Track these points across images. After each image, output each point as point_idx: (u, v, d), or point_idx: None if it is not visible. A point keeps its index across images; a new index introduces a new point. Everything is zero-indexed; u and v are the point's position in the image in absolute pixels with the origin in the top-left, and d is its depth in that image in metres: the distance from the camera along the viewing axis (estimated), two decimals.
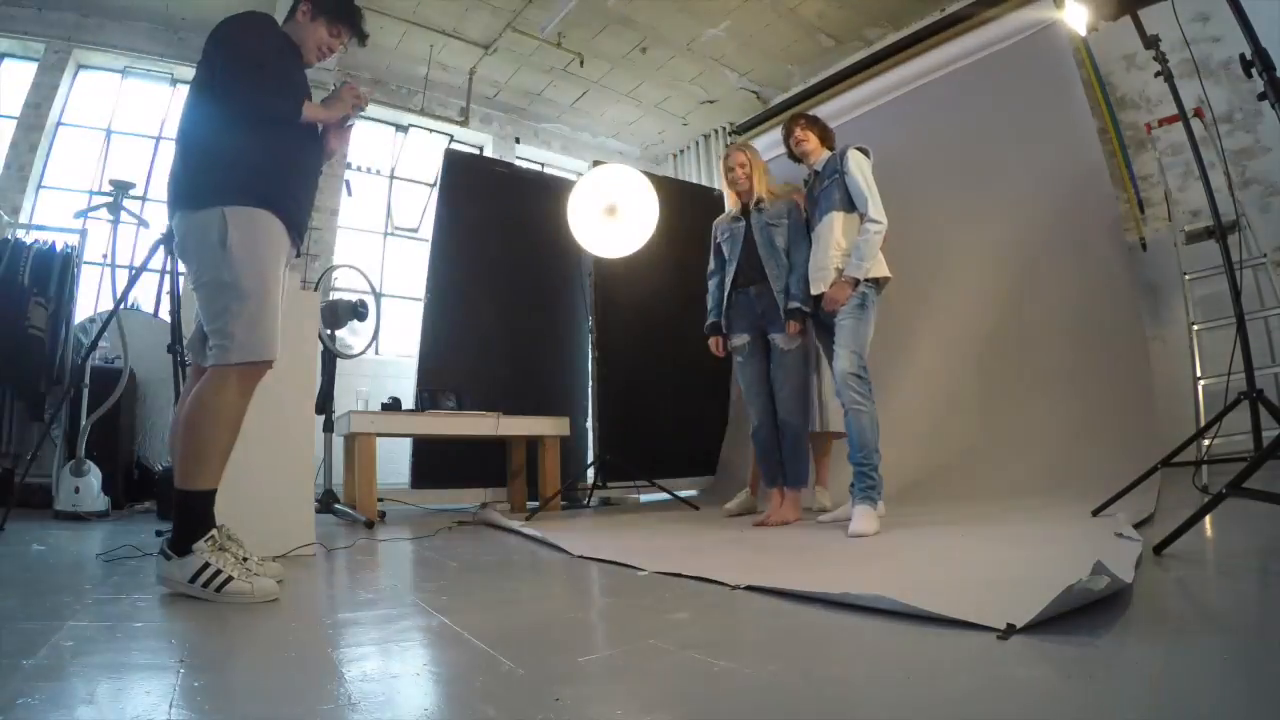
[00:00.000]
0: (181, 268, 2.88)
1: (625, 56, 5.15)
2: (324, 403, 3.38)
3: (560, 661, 1.00)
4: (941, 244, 3.54)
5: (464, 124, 5.60)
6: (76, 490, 3.04)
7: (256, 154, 1.63)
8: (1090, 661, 0.85)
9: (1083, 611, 0.99)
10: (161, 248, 2.87)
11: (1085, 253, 3.12)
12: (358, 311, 3.54)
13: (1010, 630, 0.94)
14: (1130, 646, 0.92)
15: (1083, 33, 3.49)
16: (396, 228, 5.67)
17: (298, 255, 1.81)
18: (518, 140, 6.00)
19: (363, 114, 1.82)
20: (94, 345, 3.25)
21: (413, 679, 0.97)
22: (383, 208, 5.65)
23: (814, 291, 2.59)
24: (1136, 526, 1.73)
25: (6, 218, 3.92)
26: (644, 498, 4.29)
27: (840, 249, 2.54)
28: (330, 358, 3.47)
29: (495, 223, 4.32)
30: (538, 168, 5.90)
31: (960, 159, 3.67)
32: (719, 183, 5.73)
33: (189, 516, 1.52)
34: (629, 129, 6.21)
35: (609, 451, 3.87)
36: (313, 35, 1.79)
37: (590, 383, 4.34)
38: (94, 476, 3.12)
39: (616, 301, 4.25)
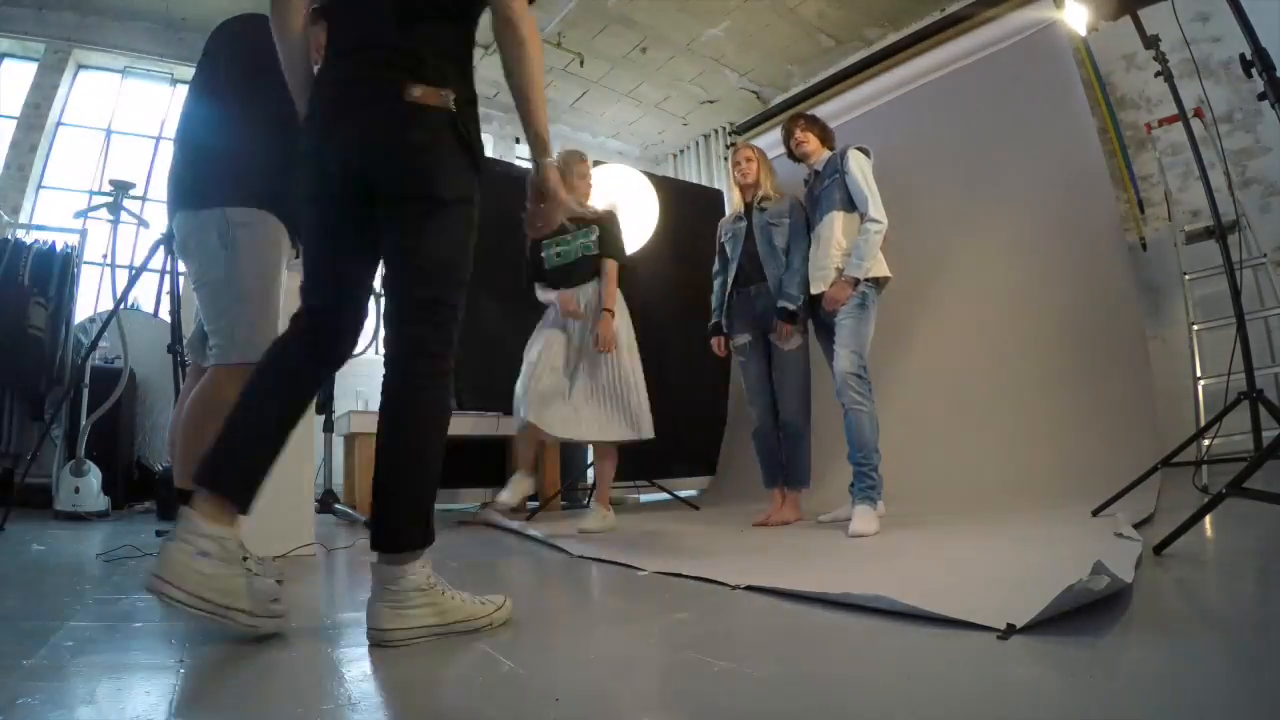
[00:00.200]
0: (182, 267, 2.89)
1: (625, 56, 5.15)
2: (324, 403, 3.38)
3: (560, 661, 1.00)
4: (941, 244, 3.54)
5: None
6: (76, 490, 3.04)
7: (258, 154, 1.62)
8: (1090, 661, 0.85)
9: (1083, 611, 0.99)
10: (161, 248, 2.87)
11: (1085, 253, 3.12)
12: None
13: (1010, 630, 0.94)
14: (1130, 646, 0.92)
15: (1083, 33, 3.50)
16: None
17: (297, 256, 1.81)
18: (517, 140, 5.99)
19: None
20: (94, 345, 3.25)
21: (413, 679, 0.97)
22: None
23: (814, 291, 2.59)
24: (1136, 526, 1.73)
25: (6, 218, 3.92)
26: (644, 498, 4.29)
27: (840, 249, 2.54)
28: None
29: (495, 223, 4.29)
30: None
31: (960, 159, 3.67)
32: (719, 183, 5.75)
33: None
34: (629, 129, 6.22)
35: None
36: (315, 37, 1.79)
37: None
38: (94, 476, 3.12)
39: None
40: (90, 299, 4.17)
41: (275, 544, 2.04)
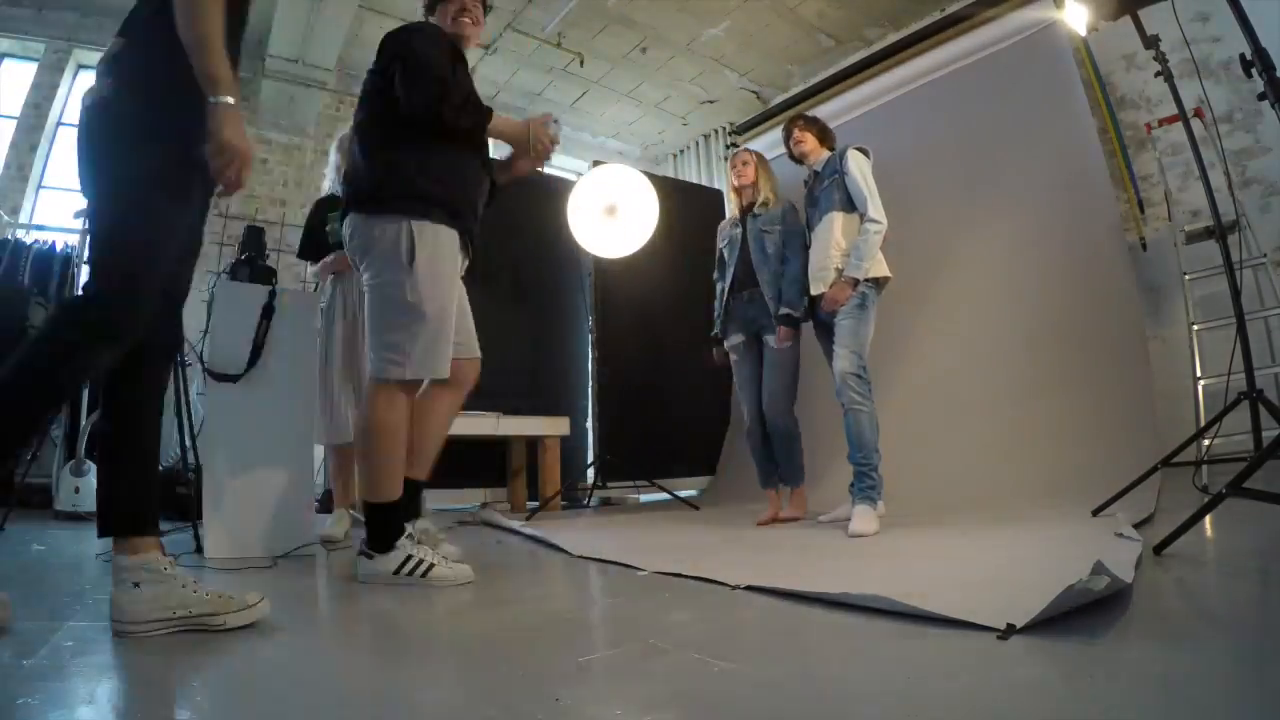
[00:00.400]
0: None
1: (625, 56, 5.15)
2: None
3: (560, 661, 1.00)
4: (941, 244, 3.54)
5: None
6: (76, 490, 3.04)
7: (438, 167, 1.67)
8: (1090, 661, 0.85)
9: (1083, 611, 0.99)
10: None
11: (1085, 253, 3.12)
12: None
13: (1010, 630, 0.94)
14: (1130, 646, 0.92)
15: (1083, 33, 3.49)
16: None
17: (470, 266, 1.87)
18: None
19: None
20: None
21: (413, 679, 0.97)
22: None
23: (814, 292, 2.60)
24: (1136, 526, 1.73)
25: (6, 218, 3.92)
26: (644, 498, 4.29)
27: (840, 249, 2.54)
28: None
29: (495, 223, 4.30)
30: (538, 168, 5.90)
31: (960, 159, 3.67)
32: (719, 183, 5.75)
33: (384, 522, 1.63)
34: (629, 129, 6.21)
35: (609, 451, 3.87)
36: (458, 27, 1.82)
37: (590, 383, 4.34)
38: (94, 476, 3.11)
39: (616, 301, 4.25)
40: None
41: (275, 544, 2.05)
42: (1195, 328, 2.69)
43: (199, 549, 2.05)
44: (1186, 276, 2.80)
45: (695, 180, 6.02)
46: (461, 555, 1.86)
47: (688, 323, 4.34)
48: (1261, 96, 1.51)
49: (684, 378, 4.50)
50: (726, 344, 2.90)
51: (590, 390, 4.35)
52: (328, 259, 2.60)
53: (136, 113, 1.15)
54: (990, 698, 0.78)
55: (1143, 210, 3.48)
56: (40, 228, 3.84)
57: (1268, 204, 3.13)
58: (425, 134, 1.65)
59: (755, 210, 2.83)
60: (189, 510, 2.26)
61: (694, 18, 4.72)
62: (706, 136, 6.16)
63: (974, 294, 3.43)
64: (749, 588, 1.40)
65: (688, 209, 4.69)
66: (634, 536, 2.48)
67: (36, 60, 4.45)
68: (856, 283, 2.46)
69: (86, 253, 2.71)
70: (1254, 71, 1.51)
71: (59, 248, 3.69)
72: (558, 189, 4.41)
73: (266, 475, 2.12)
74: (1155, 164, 3.39)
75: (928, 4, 4.43)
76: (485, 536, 2.70)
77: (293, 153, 5.04)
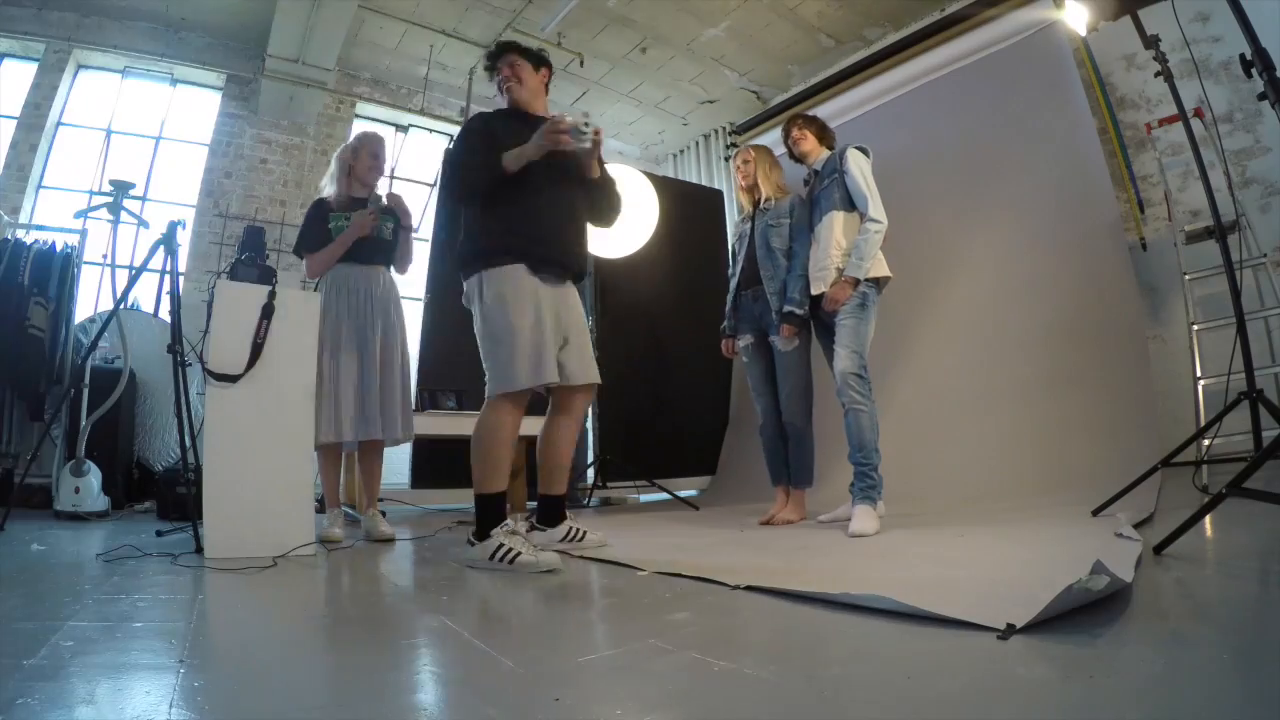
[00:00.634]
0: (183, 267, 2.90)
1: (625, 56, 5.14)
2: None
3: (560, 661, 1.00)
4: (941, 244, 3.54)
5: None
6: (76, 490, 3.03)
7: (489, 221, 1.99)
8: (1090, 661, 0.85)
9: (1083, 611, 0.99)
10: (162, 248, 2.87)
11: (1085, 253, 3.12)
12: None
13: (1010, 630, 0.94)
14: (1130, 646, 0.92)
15: (1083, 33, 3.50)
16: None
17: (577, 280, 2.15)
18: None
19: (579, 133, 1.97)
20: (94, 345, 3.25)
21: (413, 679, 0.97)
22: None
23: (814, 291, 2.60)
24: (1136, 526, 1.73)
25: (6, 218, 3.92)
26: (644, 498, 4.29)
27: (840, 248, 2.54)
28: None
29: None
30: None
31: (960, 159, 3.67)
32: (719, 183, 5.75)
33: (486, 512, 1.89)
34: (629, 129, 6.21)
35: (609, 451, 3.87)
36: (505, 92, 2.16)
37: None
38: (94, 476, 3.12)
39: (616, 301, 4.25)
40: (90, 299, 4.17)
41: (275, 543, 2.05)
42: (1195, 328, 2.69)
43: (199, 549, 2.05)
44: (1186, 276, 2.80)
45: (695, 180, 6.02)
46: (603, 539, 2.18)
47: (688, 322, 4.34)
48: (1261, 96, 1.51)
49: (684, 378, 4.50)
50: (738, 344, 2.90)
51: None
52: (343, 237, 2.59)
53: None
54: (990, 698, 0.78)
55: (1143, 210, 3.48)
56: (40, 228, 3.83)
57: (1268, 204, 3.13)
58: (475, 202, 2.01)
59: (763, 206, 2.83)
60: (189, 510, 2.26)
61: (694, 18, 4.72)
62: (706, 136, 6.16)
63: (974, 294, 3.43)
64: (749, 588, 1.40)
65: (688, 209, 4.69)
66: (634, 536, 2.48)
67: (36, 60, 4.45)
68: (857, 282, 2.46)
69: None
70: (1254, 71, 1.51)
71: (59, 248, 3.68)
72: None
73: (266, 475, 2.11)
74: (1155, 164, 3.39)
75: (928, 4, 4.42)
76: None
77: (293, 153, 5.04)
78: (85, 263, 3.82)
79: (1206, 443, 2.21)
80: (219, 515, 2.04)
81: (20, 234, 3.76)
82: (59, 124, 4.54)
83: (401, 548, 2.41)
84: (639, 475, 3.85)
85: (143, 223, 3.60)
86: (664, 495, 3.89)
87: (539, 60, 2.18)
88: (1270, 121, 3.04)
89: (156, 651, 1.06)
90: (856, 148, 2.62)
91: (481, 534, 1.87)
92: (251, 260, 3.32)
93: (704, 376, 4.50)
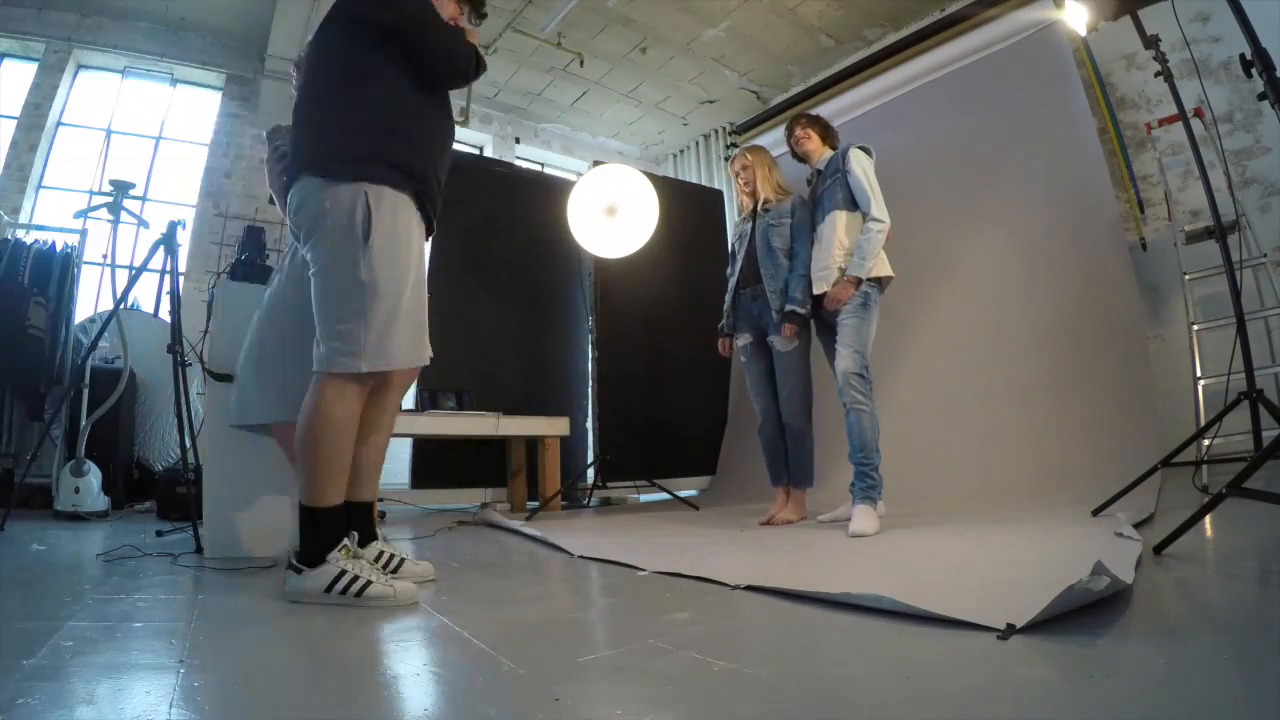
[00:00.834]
0: (183, 267, 2.88)
1: (625, 56, 5.14)
2: None
3: (560, 661, 1.00)
4: (941, 244, 3.54)
5: (464, 124, 5.48)
6: (76, 490, 3.03)
7: (408, 125, 1.51)
8: (1090, 661, 0.85)
9: (1083, 611, 0.99)
10: (162, 248, 2.87)
11: (1085, 253, 3.12)
12: None
13: (1010, 630, 0.94)
14: (1130, 646, 0.92)
15: (1083, 33, 3.50)
16: None
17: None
18: (518, 140, 5.99)
19: None
20: (94, 345, 3.25)
21: (413, 679, 0.97)
22: None
23: (816, 291, 2.60)
24: (1136, 526, 1.73)
25: (6, 218, 3.92)
26: (644, 498, 4.28)
27: (843, 248, 2.54)
28: None
29: (495, 223, 4.32)
30: (538, 168, 5.90)
31: (960, 159, 3.67)
32: (719, 183, 5.75)
33: (319, 531, 1.44)
34: (629, 129, 6.21)
35: (609, 451, 3.87)
36: (444, 9, 1.70)
37: (590, 383, 4.34)
38: (94, 476, 3.12)
39: (616, 301, 4.25)
40: (90, 299, 4.17)
41: (275, 544, 2.04)
42: (1195, 328, 2.69)
43: (199, 549, 2.05)
44: (1186, 276, 2.80)
45: (695, 180, 6.02)
46: (428, 570, 1.72)
47: (688, 322, 4.34)
48: (1261, 96, 1.51)
49: (684, 378, 4.50)
50: (736, 344, 2.90)
51: (590, 390, 4.35)
52: None
53: None
54: (990, 698, 0.78)
55: (1143, 210, 3.48)
56: (40, 228, 3.83)
57: (1268, 204, 3.13)
58: (402, 87, 1.52)
59: (765, 206, 2.83)
60: (189, 510, 2.26)
61: (694, 18, 4.72)
62: (706, 136, 6.16)
63: (974, 294, 3.43)
64: (749, 588, 1.40)
65: (688, 209, 4.69)
66: (634, 536, 2.48)
67: (36, 60, 4.45)
68: (860, 282, 2.46)
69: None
70: (1254, 71, 1.51)
71: (59, 248, 3.68)
72: (558, 189, 4.41)
73: (266, 475, 2.11)
74: (1155, 164, 3.39)
75: (928, 4, 4.42)
76: (485, 536, 2.70)
77: None
78: (85, 263, 3.82)
79: (1206, 443, 2.21)
80: (219, 515, 2.04)
81: (20, 234, 3.76)
82: (59, 124, 4.53)
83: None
84: (639, 475, 3.85)
85: (143, 223, 3.61)
86: (664, 495, 3.88)
87: None
88: (1270, 121, 3.04)
89: (156, 651, 1.06)
90: (859, 147, 2.62)
91: (313, 558, 1.41)
92: (251, 260, 3.32)
93: (704, 376, 4.50)
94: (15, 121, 4.35)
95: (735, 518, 2.95)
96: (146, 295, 4.20)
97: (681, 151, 6.46)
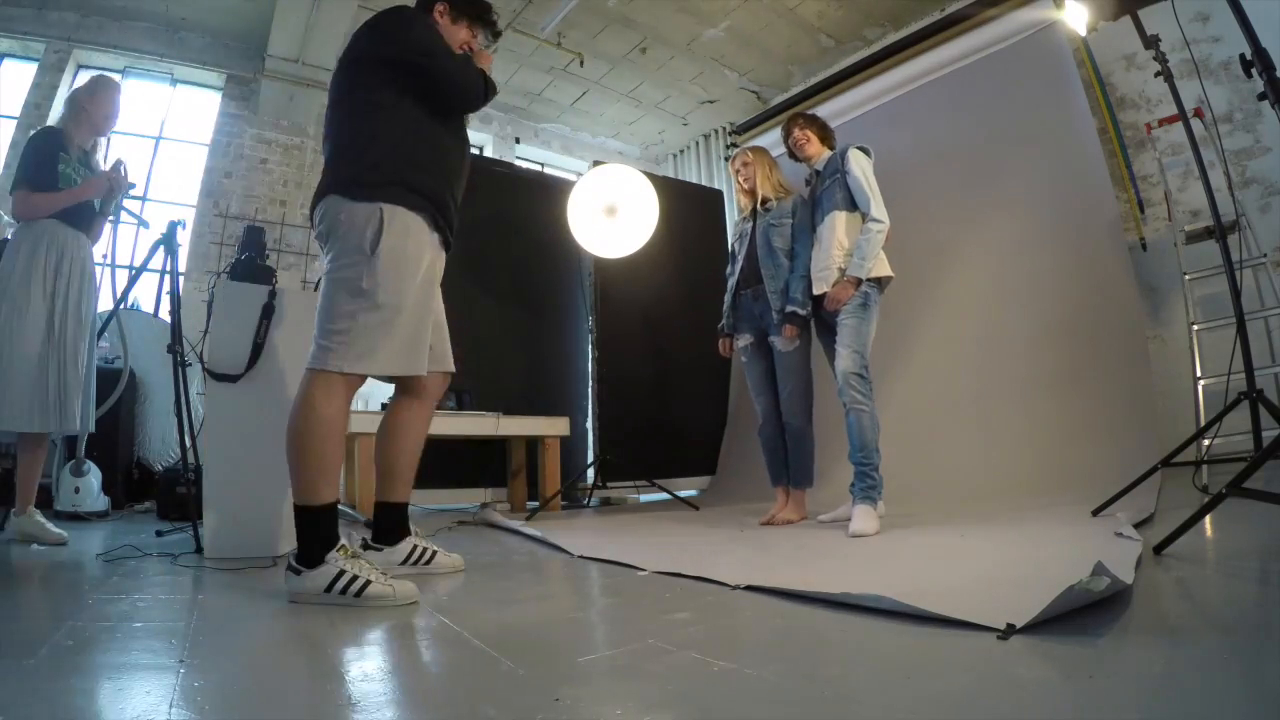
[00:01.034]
0: (183, 267, 2.89)
1: (625, 56, 5.14)
2: None
3: (560, 661, 1.00)
4: (941, 244, 3.54)
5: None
6: (76, 490, 3.03)
7: (424, 152, 1.62)
8: (1090, 661, 0.85)
9: (1083, 611, 0.99)
10: (162, 248, 2.87)
11: (1085, 253, 3.12)
12: None
13: (1010, 630, 0.94)
14: (1130, 646, 0.92)
15: (1083, 33, 3.50)
16: None
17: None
18: (518, 140, 6.00)
19: None
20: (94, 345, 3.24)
21: (413, 679, 0.97)
22: None
23: (816, 291, 2.60)
24: (1136, 526, 1.73)
25: (6, 218, 3.92)
26: (644, 498, 4.29)
27: (843, 248, 2.54)
28: None
29: (495, 223, 4.32)
30: (538, 168, 5.90)
31: (960, 159, 3.67)
32: (719, 183, 5.75)
33: (316, 531, 1.47)
34: (629, 129, 6.21)
35: (609, 451, 3.87)
36: (454, 36, 1.78)
37: (590, 383, 4.34)
38: (94, 476, 3.11)
39: (616, 301, 4.25)
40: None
41: (275, 544, 2.05)
42: (1195, 328, 2.69)
43: (199, 549, 2.05)
44: (1186, 276, 2.80)
45: (695, 180, 6.02)
46: (458, 562, 1.87)
47: (688, 322, 4.34)
48: (1261, 96, 1.51)
49: (684, 378, 4.50)
50: (737, 344, 2.90)
51: (590, 390, 4.35)
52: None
53: None
54: (990, 698, 0.78)
55: (1143, 210, 3.48)
56: None
57: (1268, 204, 3.13)
58: (416, 116, 1.62)
59: (765, 205, 2.83)
60: (189, 510, 2.26)
61: (694, 18, 4.72)
62: (706, 136, 6.16)
63: (974, 294, 3.43)
64: (749, 588, 1.40)
65: (688, 209, 4.69)
66: (634, 536, 2.48)
67: (36, 60, 4.45)
68: (859, 282, 2.47)
69: None
70: (1254, 71, 1.51)
71: None
72: (558, 189, 4.41)
73: (266, 475, 2.11)
74: (1155, 164, 3.40)
75: (928, 4, 4.43)
76: (485, 536, 2.70)
77: (293, 153, 5.04)
78: None
79: (1206, 443, 2.21)
80: (219, 515, 2.04)
81: None
82: None
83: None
84: (639, 475, 3.85)
85: (143, 223, 3.60)
86: (664, 495, 3.89)
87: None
88: (1270, 121, 3.04)
89: (156, 651, 1.06)
90: (858, 148, 2.62)
91: (311, 558, 1.44)
92: (251, 260, 3.31)
93: (704, 376, 4.50)
94: (15, 121, 4.35)
95: (735, 518, 2.95)
96: (146, 295, 4.19)
97: (681, 151, 6.46)
